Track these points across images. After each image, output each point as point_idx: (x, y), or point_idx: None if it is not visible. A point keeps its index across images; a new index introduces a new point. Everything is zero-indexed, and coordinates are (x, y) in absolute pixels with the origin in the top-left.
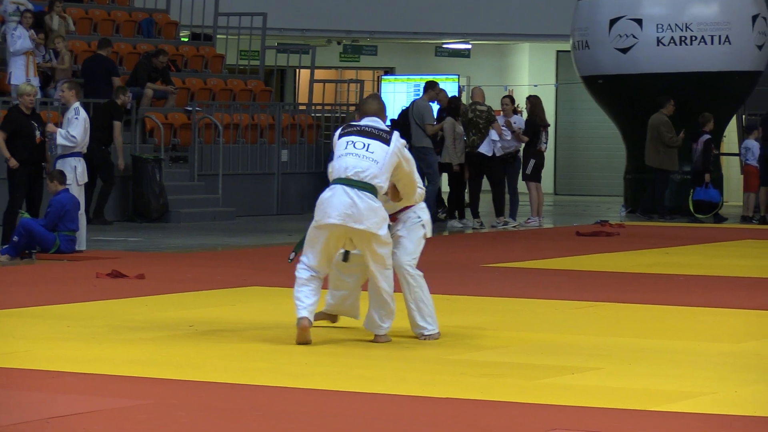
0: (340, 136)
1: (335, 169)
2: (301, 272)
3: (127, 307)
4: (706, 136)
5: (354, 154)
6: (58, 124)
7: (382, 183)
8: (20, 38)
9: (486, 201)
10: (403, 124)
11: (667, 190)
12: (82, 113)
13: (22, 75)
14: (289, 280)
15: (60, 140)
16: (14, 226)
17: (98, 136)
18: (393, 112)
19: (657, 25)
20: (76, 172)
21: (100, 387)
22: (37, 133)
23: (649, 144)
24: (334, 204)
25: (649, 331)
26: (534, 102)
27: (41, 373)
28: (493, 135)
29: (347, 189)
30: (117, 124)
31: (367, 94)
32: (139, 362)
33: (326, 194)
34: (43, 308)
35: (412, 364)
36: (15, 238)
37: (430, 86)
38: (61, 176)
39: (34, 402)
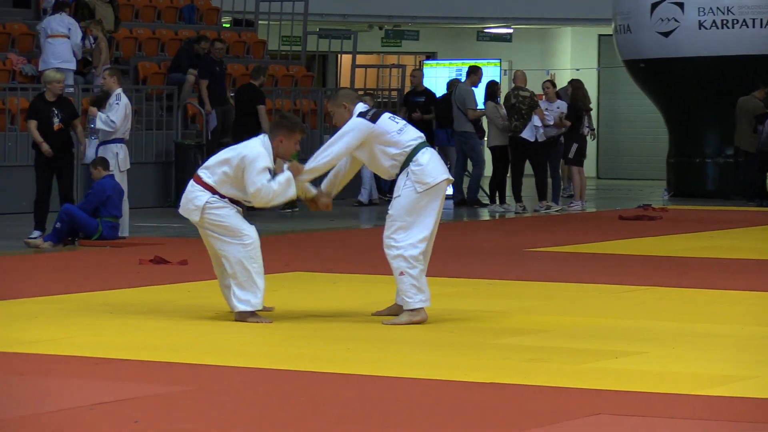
0: (377, 116)
1: (410, 137)
2: (415, 251)
3: (170, 293)
4: None
5: (407, 124)
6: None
7: None
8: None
9: (528, 185)
10: (445, 108)
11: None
12: (124, 99)
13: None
14: (333, 266)
15: (99, 124)
16: (42, 214)
17: (247, 125)
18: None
19: (698, 8)
20: (117, 159)
21: (143, 373)
22: (56, 120)
23: (740, 127)
24: (437, 162)
25: (693, 315)
26: (576, 86)
27: (85, 359)
28: (536, 120)
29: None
30: (261, 108)
31: (409, 78)
32: (182, 348)
33: (425, 157)
34: (86, 294)
35: (455, 349)
36: (57, 225)
37: (473, 71)
38: (104, 162)
39: (79, 388)
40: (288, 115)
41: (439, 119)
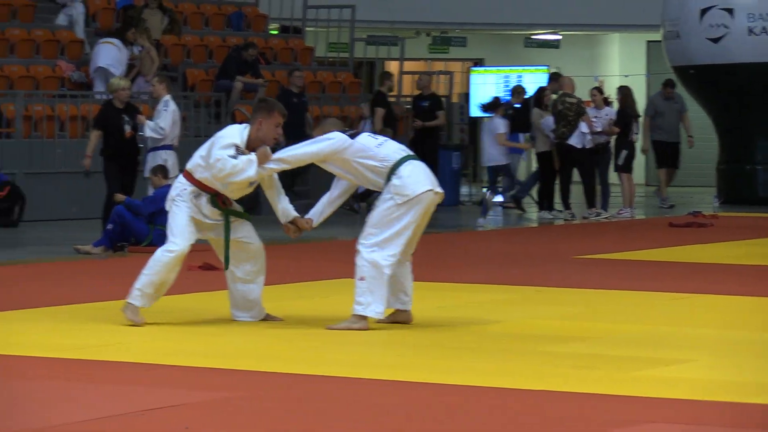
0: (356, 135)
1: (392, 150)
2: (385, 263)
3: (219, 299)
4: None
5: (388, 140)
6: (150, 117)
7: None
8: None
9: (577, 192)
10: (524, 113)
11: None
12: (172, 105)
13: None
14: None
15: (148, 132)
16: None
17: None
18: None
19: (748, 14)
20: (167, 165)
21: (194, 379)
22: (127, 127)
23: None
24: (426, 173)
25: (744, 322)
26: (625, 93)
27: (135, 365)
28: (583, 127)
29: (418, 161)
30: (378, 111)
31: (457, 85)
32: (230, 355)
33: (407, 170)
34: None
35: (503, 356)
36: (109, 226)
37: (554, 78)
38: (164, 170)
39: (129, 394)
40: (268, 99)
41: (517, 124)
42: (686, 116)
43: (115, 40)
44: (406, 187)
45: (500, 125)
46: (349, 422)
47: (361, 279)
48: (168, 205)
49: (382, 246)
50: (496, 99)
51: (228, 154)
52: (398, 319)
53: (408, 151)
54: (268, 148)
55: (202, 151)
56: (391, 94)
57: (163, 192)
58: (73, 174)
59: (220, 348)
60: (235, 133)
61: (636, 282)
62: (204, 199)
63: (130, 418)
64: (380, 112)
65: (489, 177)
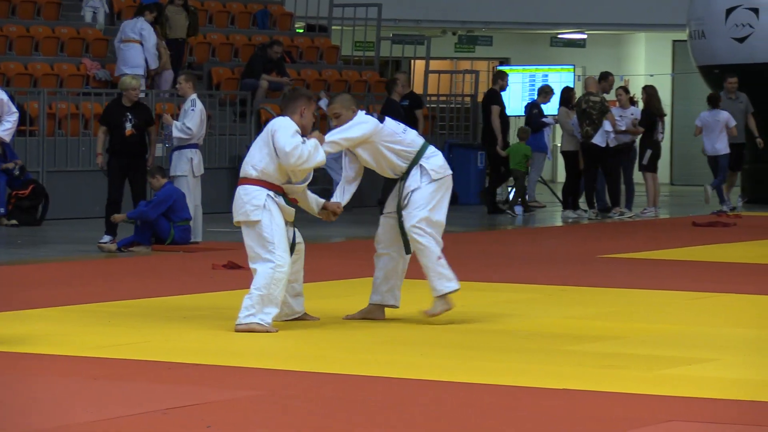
0: (382, 119)
1: (414, 135)
2: (435, 244)
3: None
4: None
5: (407, 127)
6: (174, 116)
7: None
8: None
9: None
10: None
11: None
12: (199, 105)
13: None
14: (410, 271)
15: (175, 132)
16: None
17: (486, 124)
18: (509, 103)
19: None
20: (192, 164)
21: (216, 378)
22: (128, 125)
23: None
24: (443, 158)
25: (767, 321)
26: (650, 92)
27: (158, 364)
28: (607, 126)
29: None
30: (494, 108)
31: (482, 84)
32: (254, 353)
33: (435, 151)
34: (160, 299)
35: (528, 356)
36: (138, 223)
37: (602, 77)
38: (161, 170)
39: (151, 393)
40: (300, 88)
41: (543, 123)
42: (751, 117)
43: (140, 30)
44: (440, 166)
45: (730, 118)
46: (375, 419)
47: (439, 259)
48: (256, 215)
49: (436, 228)
50: (718, 94)
51: (299, 141)
52: (375, 315)
53: (423, 138)
54: (318, 132)
55: (261, 149)
56: (417, 93)
57: (165, 192)
58: (96, 172)
59: (244, 347)
60: (292, 123)
61: (659, 281)
62: (282, 200)
63: (152, 417)
64: (496, 109)
65: (710, 166)
